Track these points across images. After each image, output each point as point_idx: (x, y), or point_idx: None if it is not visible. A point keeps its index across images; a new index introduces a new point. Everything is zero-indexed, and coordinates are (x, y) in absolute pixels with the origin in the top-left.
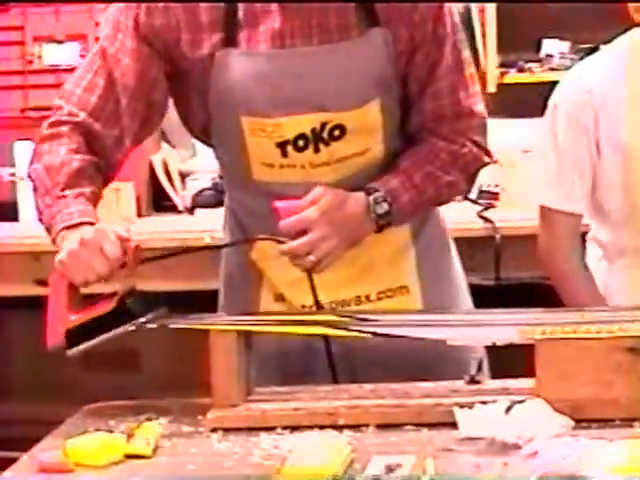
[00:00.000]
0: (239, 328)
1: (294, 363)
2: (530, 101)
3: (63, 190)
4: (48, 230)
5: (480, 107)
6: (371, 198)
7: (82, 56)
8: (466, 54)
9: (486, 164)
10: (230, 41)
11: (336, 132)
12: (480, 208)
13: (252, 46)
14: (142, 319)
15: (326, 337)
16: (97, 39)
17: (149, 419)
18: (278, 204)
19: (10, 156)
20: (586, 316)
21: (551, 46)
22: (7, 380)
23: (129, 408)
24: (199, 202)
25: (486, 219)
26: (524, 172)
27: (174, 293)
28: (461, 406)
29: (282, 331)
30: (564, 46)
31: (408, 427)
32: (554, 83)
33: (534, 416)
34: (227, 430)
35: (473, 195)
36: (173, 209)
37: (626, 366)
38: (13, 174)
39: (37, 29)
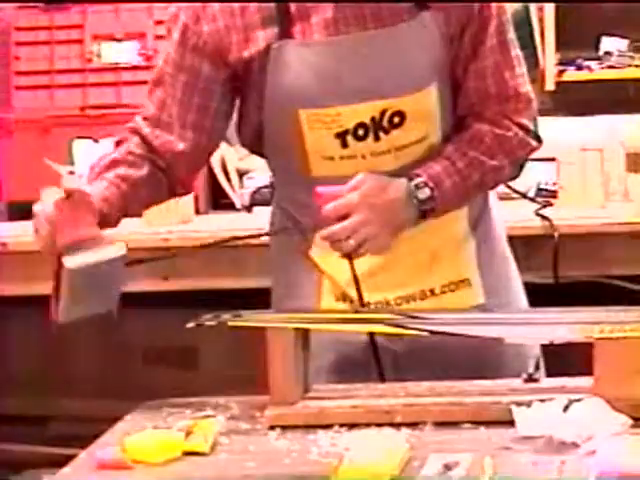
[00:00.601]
0: (297, 325)
1: (351, 361)
2: (589, 99)
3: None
4: None
5: (527, 89)
6: (412, 184)
7: (140, 54)
8: (512, 36)
9: (534, 149)
10: (284, 34)
11: (396, 119)
12: (538, 206)
13: (307, 37)
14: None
15: (372, 336)
16: (156, 37)
17: (207, 416)
18: (320, 189)
19: (70, 154)
20: None
21: (610, 43)
22: (68, 377)
23: (187, 405)
24: (257, 200)
25: (544, 217)
26: (582, 170)
27: (220, 291)
28: (519, 404)
29: (340, 329)
30: (622, 44)
31: (465, 425)
32: (613, 81)
33: (592, 415)
34: (285, 428)
35: (531, 193)
36: (231, 207)
37: None
38: (72, 172)
39: (96, 28)
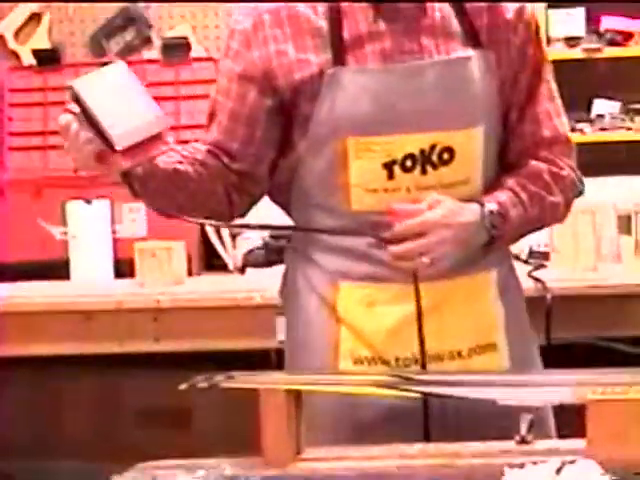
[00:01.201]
0: (289, 387)
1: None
2: (581, 161)
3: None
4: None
5: (570, 134)
6: (485, 209)
7: None
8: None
9: (581, 193)
10: (338, 61)
11: (445, 155)
12: (530, 268)
13: (361, 64)
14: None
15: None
16: (164, 98)
17: (199, 478)
18: (395, 206)
19: (63, 215)
20: (637, 377)
21: (602, 106)
22: (61, 437)
23: (179, 467)
24: (250, 261)
25: (537, 279)
26: (575, 232)
27: (222, 352)
28: (511, 466)
29: (333, 390)
30: (615, 106)
31: None
32: (605, 143)
33: (585, 477)
34: None
35: (524, 255)
36: (224, 268)
37: None
38: (65, 233)
39: None
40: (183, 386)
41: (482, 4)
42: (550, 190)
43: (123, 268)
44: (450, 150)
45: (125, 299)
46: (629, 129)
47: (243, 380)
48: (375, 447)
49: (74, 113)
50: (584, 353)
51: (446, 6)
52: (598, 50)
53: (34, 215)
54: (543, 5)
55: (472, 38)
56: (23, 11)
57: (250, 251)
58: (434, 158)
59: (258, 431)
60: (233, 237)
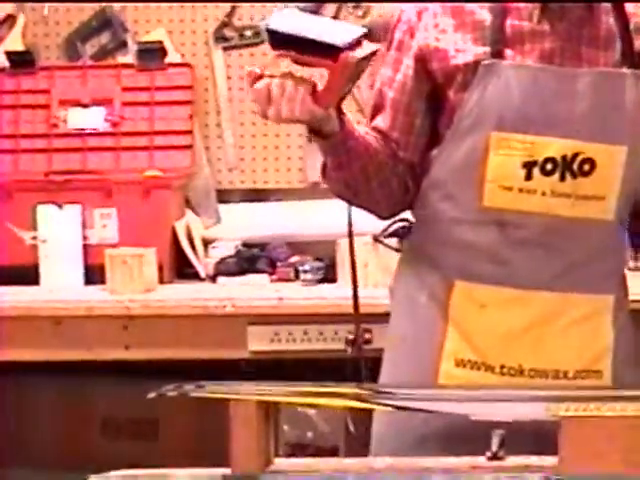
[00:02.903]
0: (259, 398)
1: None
2: None
3: None
4: None
5: None
6: None
7: (107, 120)
8: None
9: None
10: (496, 55)
11: (586, 167)
12: None
13: (519, 59)
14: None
15: None
16: (123, 103)
17: None
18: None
19: (33, 219)
20: (614, 392)
21: None
22: (26, 445)
23: (146, 477)
24: (221, 270)
25: None
26: None
27: (192, 361)
28: None
29: (303, 402)
30: None
31: None
32: None
33: None
34: None
35: None
36: (195, 276)
37: None
38: (35, 237)
39: (63, 93)
40: (152, 395)
41: None
42: None
43: (93, 274)
44: (592, 162)
45: (95, 305)
46: None
47: (213, 390)
48: (346, 460)
49: (285, 55)
50: None
51: (611, 20)
52: None
53: (3, 219)
54: None
55: (630, 57)
56: None
57: (222, 259)
58: (575, 167)
59: (227, 442)
60: (205, 245)
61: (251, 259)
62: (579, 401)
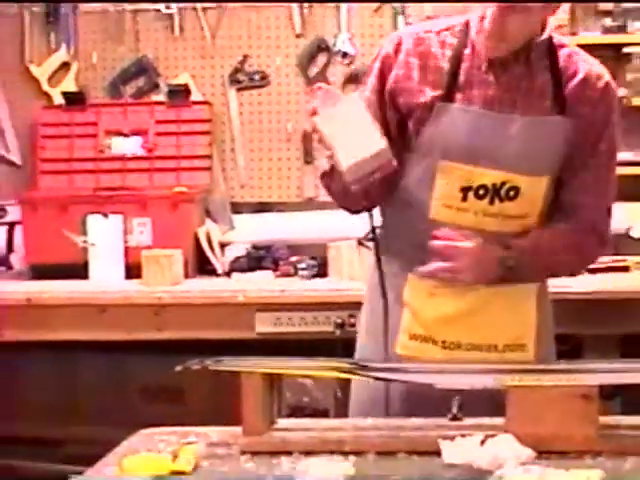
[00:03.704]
0: (265, 371)
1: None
2: None
3: None
4: None
5: (613, 206)
6: (505, 254)
7: (143, 147)
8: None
9: (603, 254)
10: (449, 97)
11: (511, 193)
12: None
13: (466, 104)
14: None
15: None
16: (156, 133)
17: (190, 443)
18: (439, 232)
19: (83, 226)
20: (550, 367)
21: None
22: (78, 408)
23: (174, 433)
24: (235, 267)
25: None
26: None
27: (211, 341)
28: (445, 438)
29: (300, 373)
30: None
31: (401, 454)
32: None
33: (504, 448)
34: (254, 453)
35: None
36: (213, 272)
37: (580, 409)
38: (85, 241)
39: (108, 124)
40: (179, 368)
41: (576, 80)
42: (569, 254)
43: (132, 271)
44: (517, 189)
45: (133, 296)
46: None
47: (228, 364)
48: (335, 420)
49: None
50: None
51: (546, 74)
52: None
53: (60, 226)
54: None
55: (560, 105)
56: (55, 60)
57: (235, 259)
58: (502, 193)
59: (239, 406)
60: (222, 247)
61: (258, 259)
62: (522, 373)
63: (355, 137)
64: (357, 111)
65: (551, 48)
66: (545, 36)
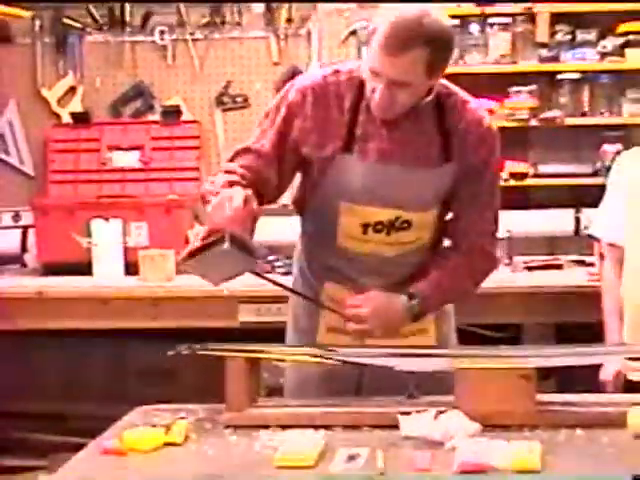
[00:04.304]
0: (246, 355)
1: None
2: None
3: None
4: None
5: (498, 232)
6: (410, 303)
7: (141, 161)
8: (499, 186)
9: (493, 271)
10: (347, 149)
11: (404, 225)
12: None
13: (363, 156)
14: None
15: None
16: (152, 149)
17: (181, 418)
18: (349, 300)
19: (88, 229)
20: (494, 351)
21: None
22: (83, 386)
23: (167, 410)
24: None
25: None
26: None
27: (199, 328)
28: (403, 414)
29: (277, 357)
30: None
31: (365, 428)
32: None
33: (454, 422)
34: (236, 427)
35: None
36: None
37: (520, 388)
38: (89, 242)
39: (109, 140)
40: (171, 352)
41: (460, 128)
42: (465, 283)
43: (131, 268)
44: (409, 222)
45: (132, 290)
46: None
47: (214, 349)
48: (310, 399)
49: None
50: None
51: (434, 127)
52: None
53: (67, 229)
54: None
55: (446, 152)
56: (64, 84)
57: None
58: (396, 225)
59: (224, 386)
60: None
61: None
62: (470, 357)
63: (224, 270)
64: (228, 257)
65: (439, 101)
66: (431, 97)
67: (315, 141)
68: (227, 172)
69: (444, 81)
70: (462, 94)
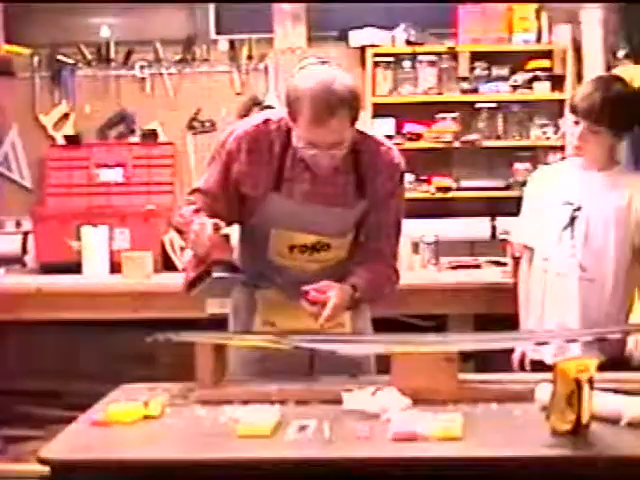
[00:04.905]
0: (214, 341)
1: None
2: None
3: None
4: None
5: (399, 251)
6: (354, 294)
7: (124, 176)
8: (402, 211)
9: (398, 282)
10: (276, 189)
11: (325, 247)
12: None
13: (290, 196)
14: (158, 334)
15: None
16: (133, 166)
17: (158, 395)
18: (315, 285)
19: (78, 234)
20: (423, 338)
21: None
22: (76, 367)
23: (147, 388)
24: None
25: None
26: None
27: (173, 319)
28: (345, 391)
29: (240, 343)
30: (410, 178)
31: (314, 403)
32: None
33: (389, 397)
34: (205, 402)
35: None
36: (175, 269)
37: (444, 369)
38: (80, 246)
39: (97, 159)
40: (149, 339)
41: (371, 166)
42: (386, 285)
43: (115, 267)
44: (328, 245)
45: (116, 286)
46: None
47: (186, 336)
48: (265, 379)
49: None
50: (387, 325)
51: (351, 169)
52: (402, 143)
53: (61, 235)
54: (369, 115)
55: (360, 191)
56: (58, 112)
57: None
58: (318, 247)
59: (194, 368)
60: (182, 249)
61: None
62: (403, 343)
63: (223, 287)
64: (219, 280)
65: (356, 146)
66: (347, 146)
67: (250, 182)
68: (189, 204)
69: (360, 127)
70: (376, 138)
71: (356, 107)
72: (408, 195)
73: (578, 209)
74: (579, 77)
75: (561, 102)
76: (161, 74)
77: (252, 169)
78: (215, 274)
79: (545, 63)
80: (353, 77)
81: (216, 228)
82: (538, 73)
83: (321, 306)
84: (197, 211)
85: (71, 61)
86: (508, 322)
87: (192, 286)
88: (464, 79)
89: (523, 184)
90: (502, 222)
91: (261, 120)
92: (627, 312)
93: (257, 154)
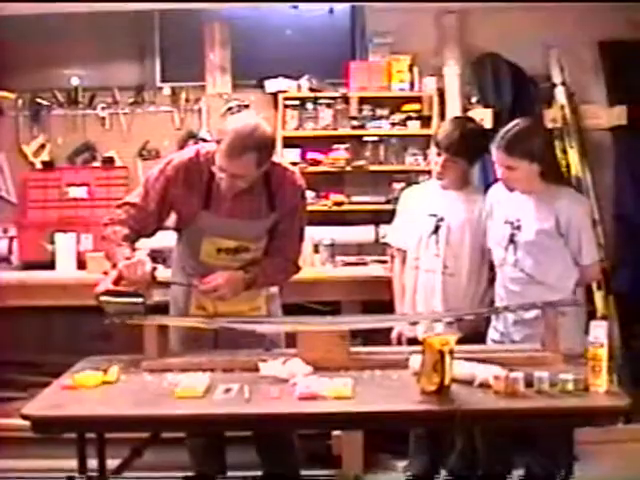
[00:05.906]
0: (155, 322)
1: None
2: None
3: (119, 244)
4: (110, 259)
5: (299, 256)
6: (245, 276)
7: (88, 193)
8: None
9: (296, 273)
10: (206, 207)
11: (245, 250)
12: None
13: (217, 212)
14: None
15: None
16: (96, 185)
17: (114, 364)
18: (209, 277)
19: (52, 239)
20: (322, 319)
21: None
22: (50, 343)
23: (106, 360)
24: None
25: None
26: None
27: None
28: (261, 360)
29: (178, 323)
30: (311, 195)
31: (236, 370)
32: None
33: (295, 366)
34: (152, 371)
35: None
36: None
37: (338, 343)
38: (53, 247)
39: (67, 179)
40: (107, 321)
41: (279, 187)
42: (279, 274)
43: (81, 265)
44: (248, 248)
45: (82, 279)
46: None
47: (137, 319)
48: (201, 352)
49: None
50: (297, 310)
51: (263, 189)
52: (305, 167)
53: (39, 239)
54: (280, 146)
55: (270, 206)
56: (37, 143)
57: (150, 251)
58: (240, 250)
59: (143, 343)
60: (133, 250)
61: (155, 258)
62: (308, 324)
63: (125, 311)
64: (131, 305)
65: (267, 171)
66: (250, 180)
67: (184, 203)
68: (119, 223)
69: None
70: (283, 164)
71: (265, 154)
72: (310, 208)
73: (441, 220)
74: (442, 117)
75: (428, 137)
76: (117, 113)
77: (186, 192)
78: (140, 300)
79: (416, 106)
80: (269, 121)
81: (153, 268)
82: (411, 114)
83: (213, 288)
84: (122, 222)
85: (47, 103)
86: (388, 307)
87: (104, 294)
88: (354, 118)
89: (397, 199)
90: (383, 229)
91: (194, 153)
92: (480, 299)
93: (190, 180)
